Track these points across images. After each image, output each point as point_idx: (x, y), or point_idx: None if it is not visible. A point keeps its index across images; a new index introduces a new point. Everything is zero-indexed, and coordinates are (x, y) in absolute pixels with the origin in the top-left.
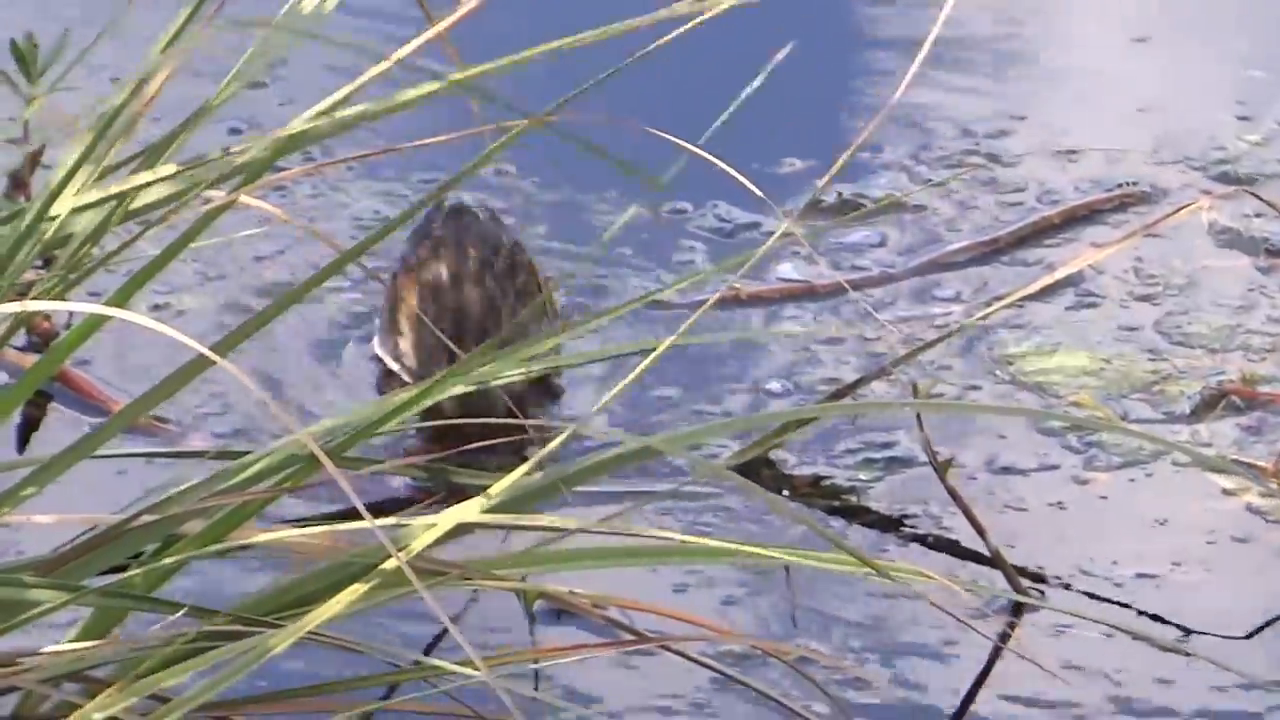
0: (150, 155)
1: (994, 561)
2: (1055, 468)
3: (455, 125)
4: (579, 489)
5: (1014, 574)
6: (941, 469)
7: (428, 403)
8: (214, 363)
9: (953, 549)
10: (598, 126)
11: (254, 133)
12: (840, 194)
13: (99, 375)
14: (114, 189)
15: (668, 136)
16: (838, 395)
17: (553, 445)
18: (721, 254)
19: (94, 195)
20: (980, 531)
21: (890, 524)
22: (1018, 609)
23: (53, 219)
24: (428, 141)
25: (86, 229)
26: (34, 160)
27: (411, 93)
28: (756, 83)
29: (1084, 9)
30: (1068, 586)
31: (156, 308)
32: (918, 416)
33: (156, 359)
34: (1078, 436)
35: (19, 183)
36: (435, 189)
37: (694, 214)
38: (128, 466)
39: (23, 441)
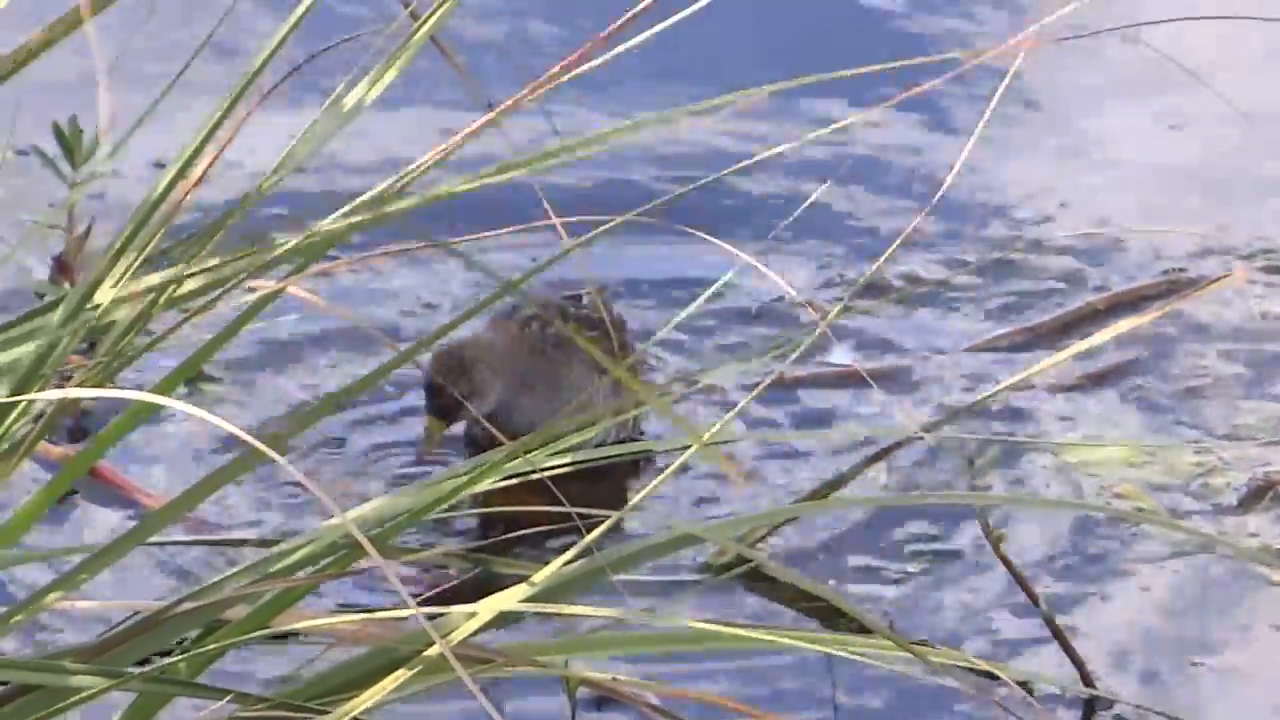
0: (193, 243)
1: (1066, 653)
2: (1099, 558)
3: (504, 208)
4: (623, 575)
5: (1084, 665)
6: (994, 540)
7: (471, 491)
8: (264, 456)
9: (999, 641)
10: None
11: (296, 217)
12: (884, 277)
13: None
14: (155, 279)
15: (708, 237)
16: (868, 463)
17: (595, 533)
18: (755, 335)
19: (135, 286)
20: (1050, 622)
21: (934, 614)
22: (1090, 708)
23: (95, 308)
24: (476, 238)
25: (129, 316)
26: (79, 244)
27: (460, 185)
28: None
29: (1118, 96)
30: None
31: (190, 392)
32: (980, 512)
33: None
34: (1123, 527)
35: (64, 266)
36: (495, 291)
37: (723, 289)
38: (166, 553)
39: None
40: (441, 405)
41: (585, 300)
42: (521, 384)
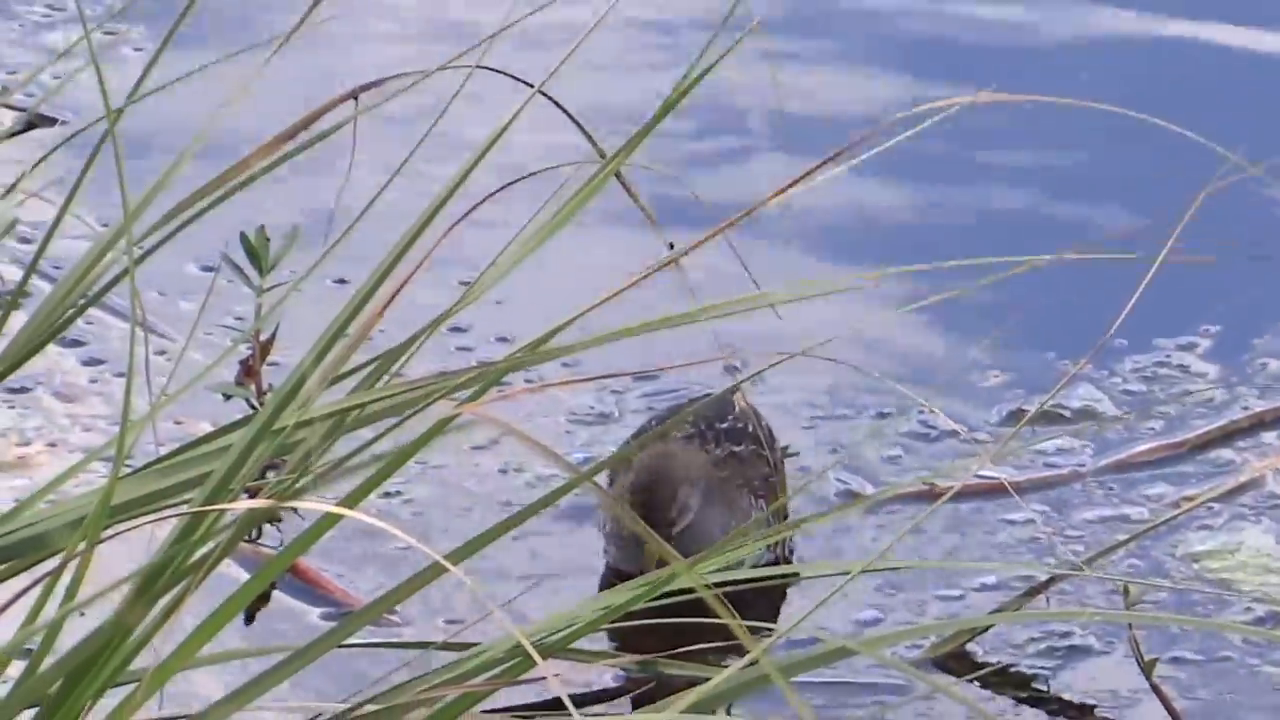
0: (382, 363)
1: None
2: (1228, 659)
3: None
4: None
5: None
6: (1147, 668)
7: (643, 603)
8: (445, 569)
9: None
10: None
11: (475, 335)
12: (1041, 404)
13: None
14: (339, 406)
15: (882, 376)
16: (1031, 593)
17: (768, 643)
18: (924, 457)
19: (320, 409)
20: None
21: (1074, 712)
22: None
23: (281, 430)
24: (648, 371)
25: (315, 436)
26: (265, 350)
27: (636, 323)
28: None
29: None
30: None
31: (386, 495)
32: (1129, 625)
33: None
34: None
35: (249, 370)
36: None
37: (898, 417)
38: (352, 655)
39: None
40: (653, 526)
41: (736, 410)
42: (707, 502)
